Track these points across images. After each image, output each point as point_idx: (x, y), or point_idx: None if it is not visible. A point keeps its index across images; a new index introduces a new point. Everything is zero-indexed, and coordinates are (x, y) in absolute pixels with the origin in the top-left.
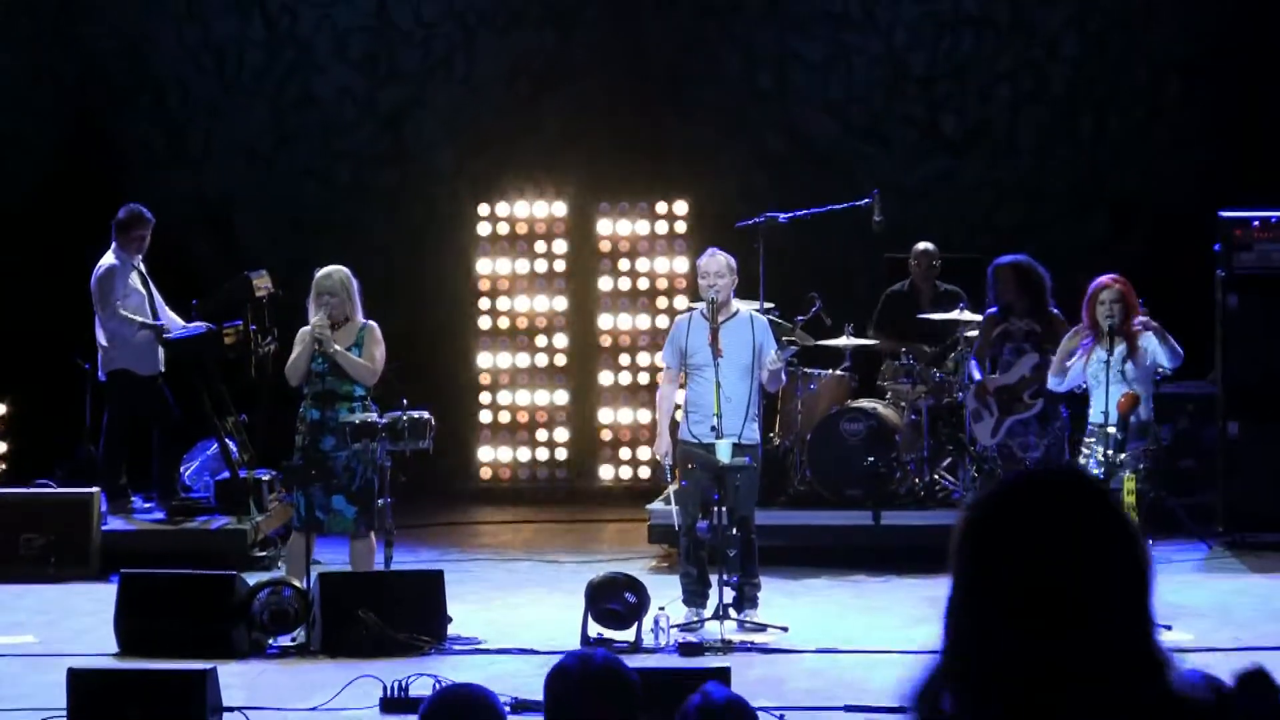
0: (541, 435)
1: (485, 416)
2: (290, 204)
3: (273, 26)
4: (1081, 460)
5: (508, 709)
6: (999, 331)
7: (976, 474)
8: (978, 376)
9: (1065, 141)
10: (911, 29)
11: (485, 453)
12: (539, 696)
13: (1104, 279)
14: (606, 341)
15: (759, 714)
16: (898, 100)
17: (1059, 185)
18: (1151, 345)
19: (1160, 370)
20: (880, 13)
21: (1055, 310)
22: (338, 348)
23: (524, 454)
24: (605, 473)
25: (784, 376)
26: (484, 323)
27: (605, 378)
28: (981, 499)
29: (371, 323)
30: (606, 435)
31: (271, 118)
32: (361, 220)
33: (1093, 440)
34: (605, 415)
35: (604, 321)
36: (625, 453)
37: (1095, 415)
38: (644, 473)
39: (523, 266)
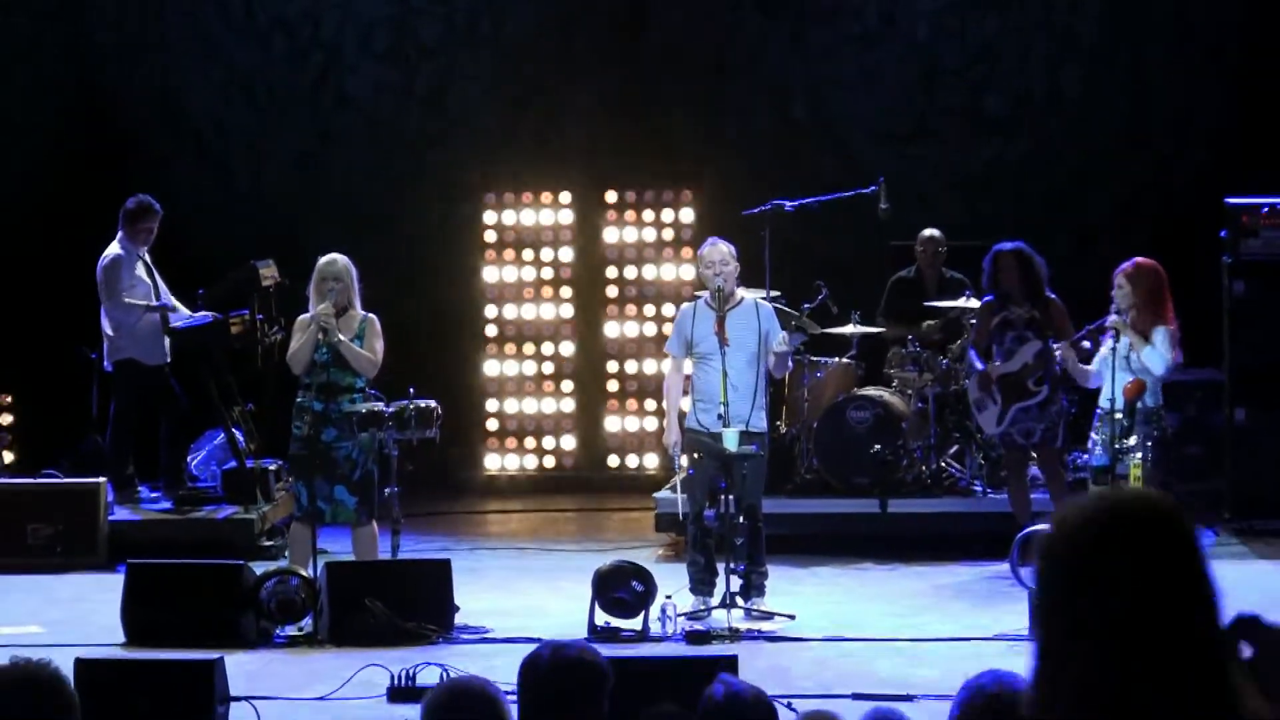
0: (549, 443)
1: (492, 425)
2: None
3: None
4: (1089, 446)
5: (515, 698)
6: (999, 320)
7: (983, 461)
8: (980, 366)
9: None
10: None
11: (492, 460)
12: None
13: (1125, 264)
14: (613, 349)
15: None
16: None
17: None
18: (1157, 339)
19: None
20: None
21: (1053, 296)
22: (342, 337)
23: (531, 461)
24: (612, 461)
25: (790, 362)
26: (490, 330)
27: (612, 385)
28: (1065, 524)
29: (372, 315)
30: (614, 442)
31: (269, 126)
32: (369, 221)
33: (1100, 426)
34: (612, 424)
35: (610, 329)
36: (632, 442)
37: (1103, 401)
38: (651, 461)
39: (529, 274)
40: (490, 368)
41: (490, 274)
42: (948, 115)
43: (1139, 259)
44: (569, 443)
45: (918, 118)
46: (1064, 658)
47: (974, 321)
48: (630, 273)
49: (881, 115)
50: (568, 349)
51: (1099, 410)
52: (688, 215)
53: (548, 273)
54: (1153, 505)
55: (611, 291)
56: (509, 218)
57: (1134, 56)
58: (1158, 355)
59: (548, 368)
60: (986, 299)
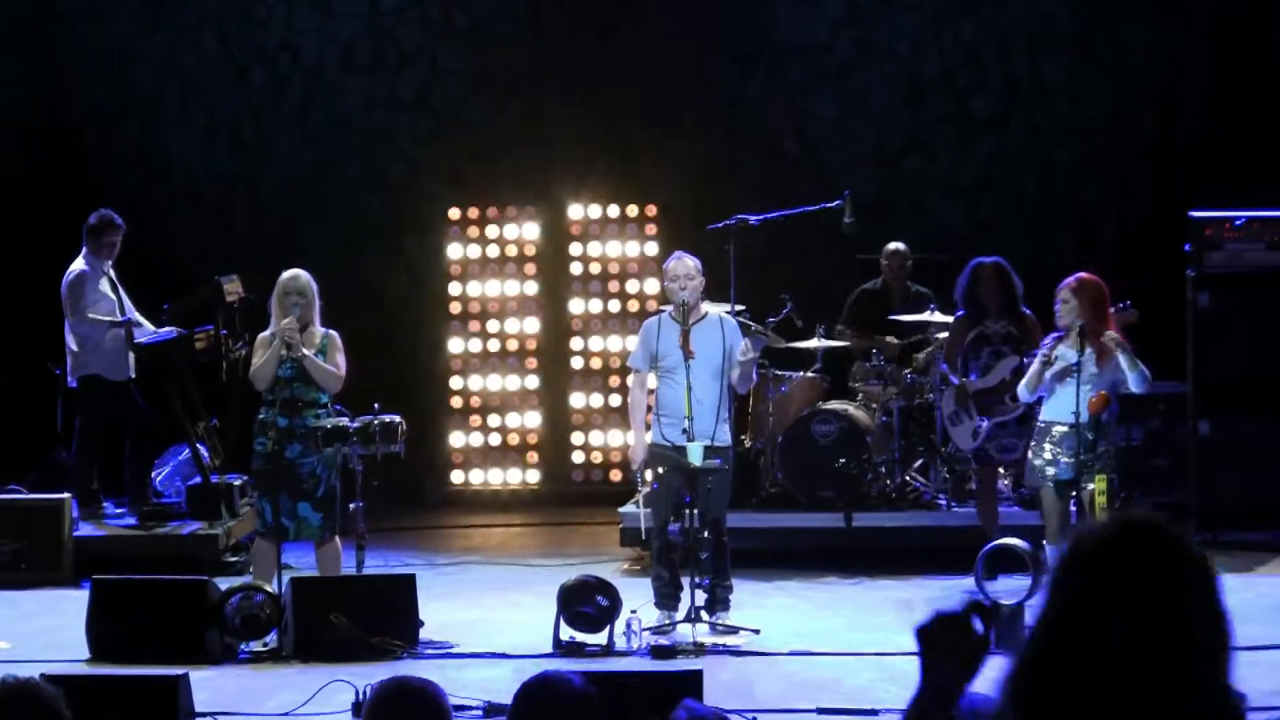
0: (513, 420)
1: (456, 402)
2: (265, 212)
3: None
4: (1033, 458)
5: (480, 713)
6: (974, 334)
7: (948, 475)
8: (954, 379)
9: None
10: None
11: (456, 438)
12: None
13: (1070, 279)
14: (578, 326)
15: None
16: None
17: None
18: (1123, 364)
19: (1126, 390)
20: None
21: (1028, 311)
22: (307, 352)
23: (495, 476)
24: (577, 476)
25: (754, 376)
26: (454, 308)
27: (576, 362)
28: (1080, 544)
29: (332, 331)
30: (579, 419)
31: (239, 130)
32: (335, 231)
33: (1051, 438)
34: (577, 400)
35: (575, 306)
36: (597, 456)
37: (1053, 414)
38: (615, 476)
39: (493, 251)
40: (454, 345)
41: (456, 280)
42: (938, 125)
43: (1081, 274)
44: (533, 457)
45: (905, 134)
46: (1063, 669)
47: (945, 335)
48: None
49: (872, 137)
50: (531, 326)
51: (1044, 421)
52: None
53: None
54: (1174, 539)
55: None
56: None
57: (1090, 74)
58: (1139, 375)
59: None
60: (960, 313)
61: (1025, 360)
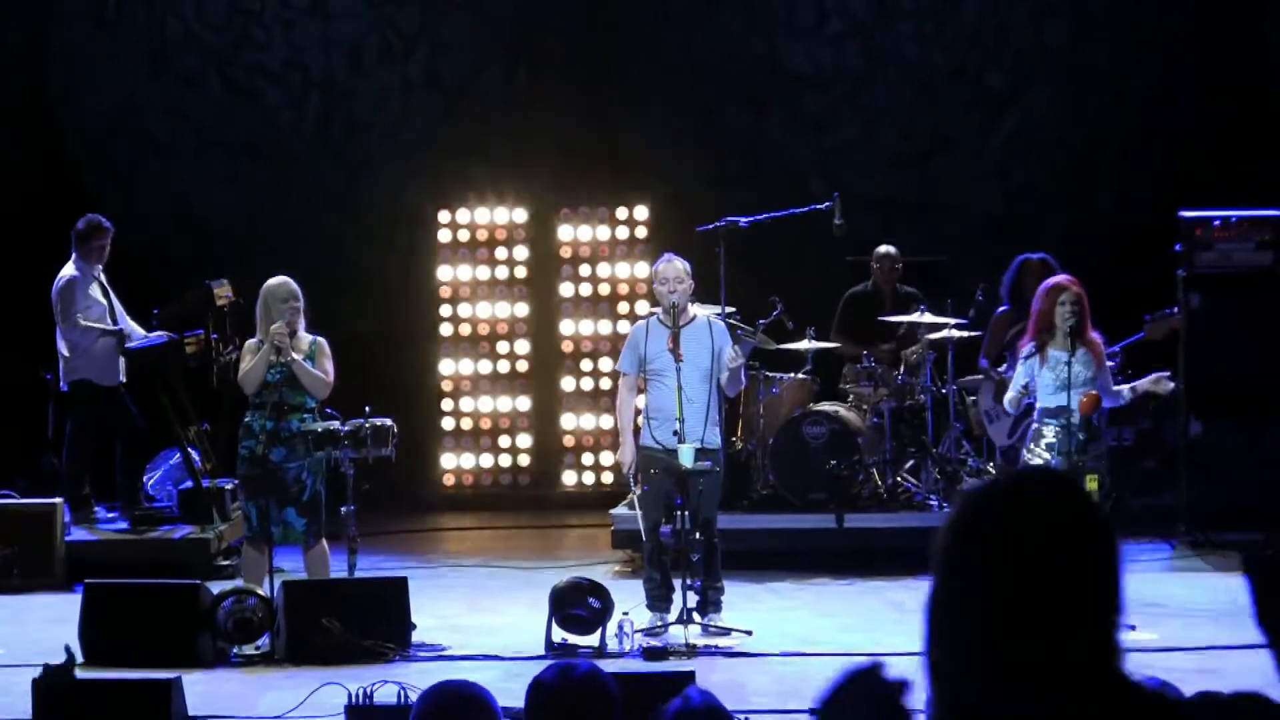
0: (504, 441)
1: (448, 423)
2: (247, 213)
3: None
4: (1028, 457)
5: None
6: (1016, 330)
7: (939, 475)
8: (994, 375)
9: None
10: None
11: (448, 459)
12: (505, 703)
13: (1061, 279)
14: (569, 347)
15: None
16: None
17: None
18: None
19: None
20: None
21: None
22: (296, 357)
23: (487, 460)
24: (568, 478)
25: (744, 379)
26: (445, 329)
27: (568, 383)
28: (964, 499)
29: (320, 338)
30: (569, 441)
31: (227, 125)
32: (322, 229)
33: (1045, 440)
34: (568, 421)
35: (565, 327)
36: (588, 458)
37: (1047, 415)
38: (607, 478)
39: (484, 273)
40: (445, 367)
41: (444, 273)
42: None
43: (1067, 275)
44: (524, 441)
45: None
46: (955, 621)
47: (934, 336)
48: (585, 271)
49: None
50: (523, 347)
51: (1037, 424)
52: (641, 213)
53: (502, 271)
54: (1057, 478)
55: (567, 290)
56: (463, 216)
57: (1091, 71)
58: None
59: (503, 366)
60: (1003, 308)
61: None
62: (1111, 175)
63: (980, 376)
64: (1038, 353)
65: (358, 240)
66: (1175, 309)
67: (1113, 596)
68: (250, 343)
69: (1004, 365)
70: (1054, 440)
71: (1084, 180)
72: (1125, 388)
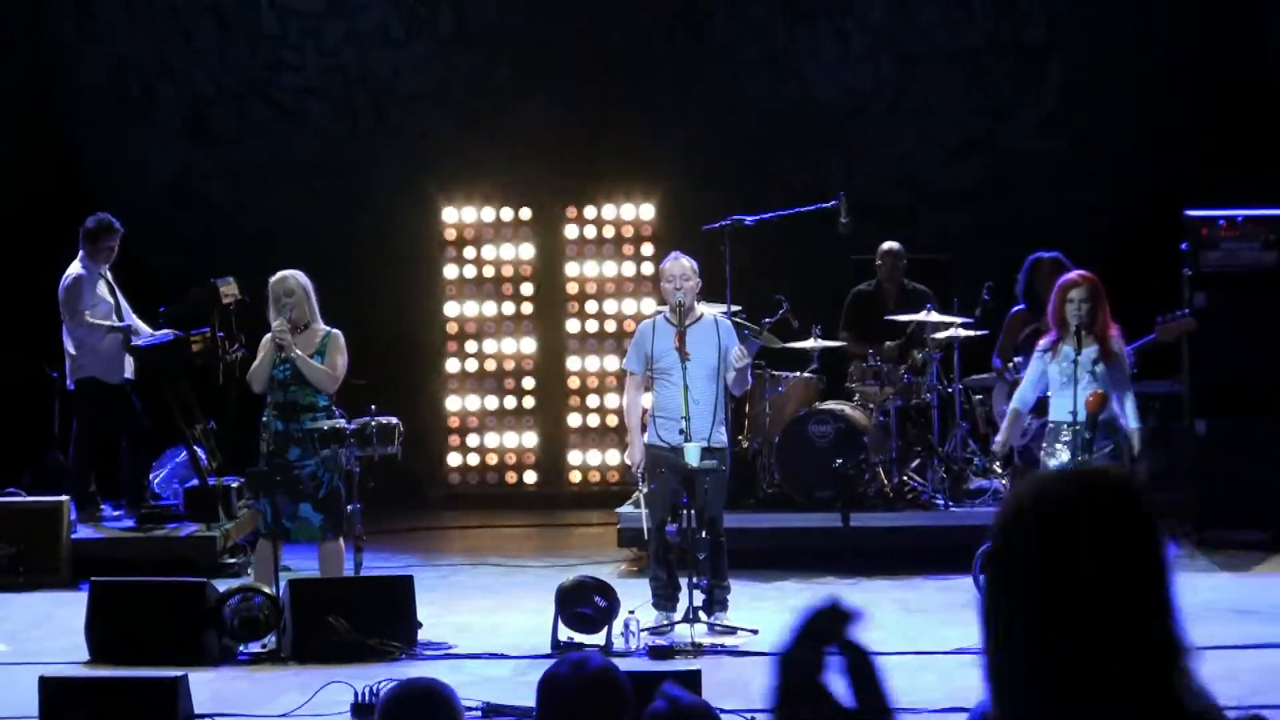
0: (510, 440)
1: (455, 422)
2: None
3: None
4: (1045, 459)
5: (479, 714)
6: (1030, 330)
7: (945, 475)
8: (1009, 376)
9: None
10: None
11: (454, 457)
12: (511, 701)
13: (1072, 275)
14: (574, 379)
15: (727, 717)
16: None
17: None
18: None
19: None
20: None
21: None
22: (298, 352)
23: (492, 458)
24: (574, 476)
25: (750, 378)
26: (452, 328)
27: (574, 381)
28: (1014, 497)
29: (335, 330)
30: (575, 436)
31: (237, 141)
32: (327, 234)
33: (1061, 438)
34: (574, 419)
35: (571, 329)
36: (595, 456)
37: (1059, 413)
38: (613, 477)
39: (489, 270)
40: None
41: (450, 270)
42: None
43: (1082, 271)
44: (529, 458)
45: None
46: (1016, 641)
47: (941, 335)
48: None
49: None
50: (527, 346)
51: (1054, 422)
52: (647, 212)
53: (507, 293)
54: (1121, 482)
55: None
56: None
57: (1094, 71)
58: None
59: (508, 367)
60: (1018, 308)
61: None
62: (1116, 175)
63: (992, 374)
64: (1051, 349)
65: (364, 237)
66: (1187, 311)
67: (1168, 601)
68: (265, 338)
69: (1015, 365)
70: (1063, 439)
71: (1087, 178)
72: (1134, 428)
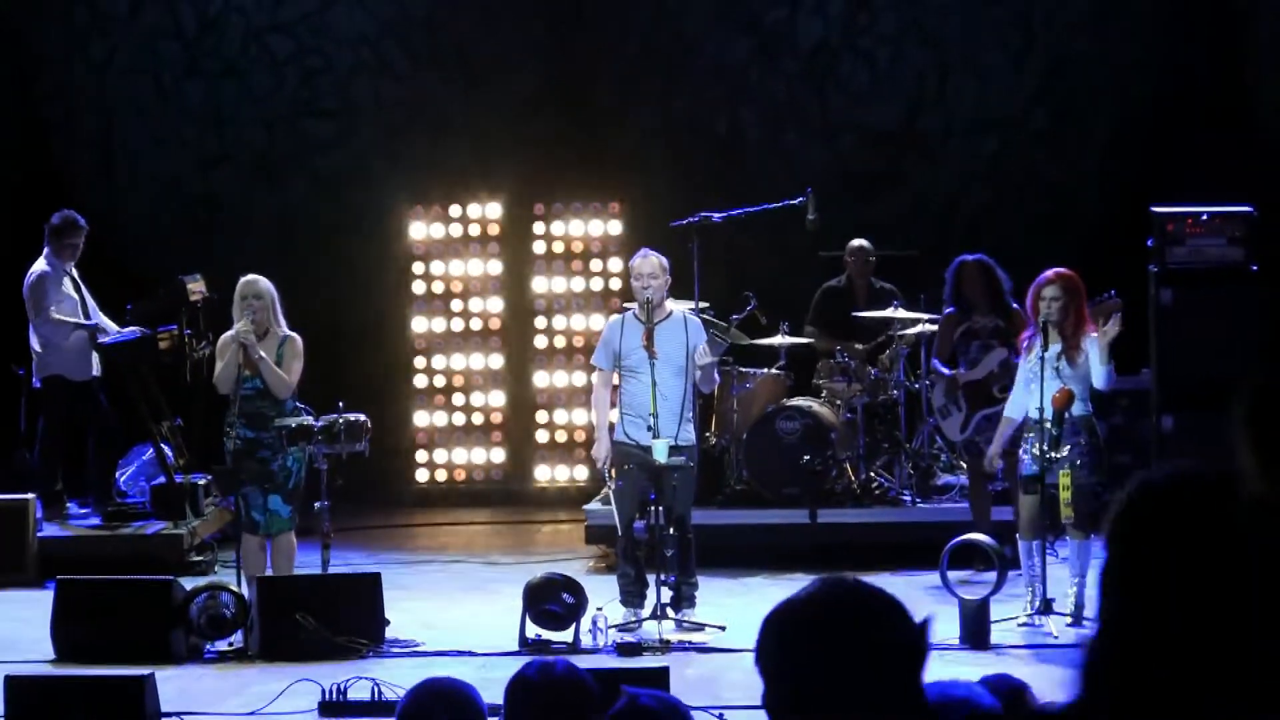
0: (479, 437)
1: (421, 419)
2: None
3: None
4: (1022, 454)
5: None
6: (962, 330)
7: (912, 471)
8: (946, 372)
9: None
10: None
11: (421, 454)
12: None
13: (1049, 273)
14: (542, 343)
15: (695, 713)
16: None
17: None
18: (1091, 354)
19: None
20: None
21: (1016, 305)
22: (262, 354)
23: (460, 456)
24: (541, 474)
25: (717, 376)
26: (419, 325)
27: (541, 379)
28: (1133, 497)
29: (294, 335)
30: (544, 437)
31: (201, 140)
32: (305, 223)
33: (1031, 435)
34: (542, 416)
35: (539, 323)
36: (563, 472)
37: (1028, 410)
38: (580, 473)
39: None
40: (419, 362)
41: (419, 286)
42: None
43: (1059, 269)
44: (498, 454)
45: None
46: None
47: (909, 332)
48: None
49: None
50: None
51: (1027, 419)
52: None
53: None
54: (1210, 479)
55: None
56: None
57: (1052, 72)
58: (1103, 370)
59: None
60: (949, 310)
61: (1015, 358)
62: (1081, 171)
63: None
64: (1029, 348)
65: (337, 235)
66: (1113, 292)
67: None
68: (223, 338)
69: (960, 365)
70: (1031, 435)
71: (1053, 174)
72: (1102, 367)
